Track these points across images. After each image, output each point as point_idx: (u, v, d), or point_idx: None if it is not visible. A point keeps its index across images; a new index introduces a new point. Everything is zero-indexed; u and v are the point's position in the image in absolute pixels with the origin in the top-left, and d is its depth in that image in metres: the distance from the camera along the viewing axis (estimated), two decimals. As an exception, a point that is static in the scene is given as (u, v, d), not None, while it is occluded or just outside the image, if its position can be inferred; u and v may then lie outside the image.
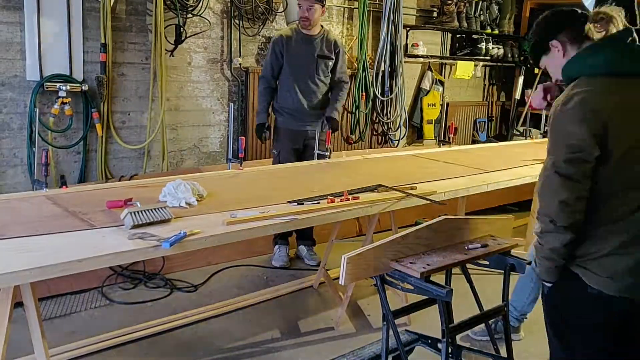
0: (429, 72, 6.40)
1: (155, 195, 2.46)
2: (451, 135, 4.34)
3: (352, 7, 5.64)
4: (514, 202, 5.68)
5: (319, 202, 2.56)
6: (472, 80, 7.02)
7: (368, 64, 5.68)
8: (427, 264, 2.09)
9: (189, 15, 4.46)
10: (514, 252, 2.38)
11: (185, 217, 2.26)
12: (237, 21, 4.80)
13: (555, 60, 1.92)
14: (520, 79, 7.26)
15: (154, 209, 2.17)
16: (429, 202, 2.72)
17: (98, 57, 4.08)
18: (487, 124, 7.34)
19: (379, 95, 5.76)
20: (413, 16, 6.20)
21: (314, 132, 3.89)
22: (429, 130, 6.41)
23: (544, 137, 6.05)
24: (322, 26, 3.98)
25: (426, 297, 2.26)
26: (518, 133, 6.92)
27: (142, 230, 2.05)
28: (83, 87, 3.99)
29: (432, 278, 2.08)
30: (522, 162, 3.33)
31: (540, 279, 1.90)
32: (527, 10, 7.20)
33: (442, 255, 2.20)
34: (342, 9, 5.61)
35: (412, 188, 2.89)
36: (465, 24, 6.41)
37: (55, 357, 2.66)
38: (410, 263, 2.08)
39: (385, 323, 2.19)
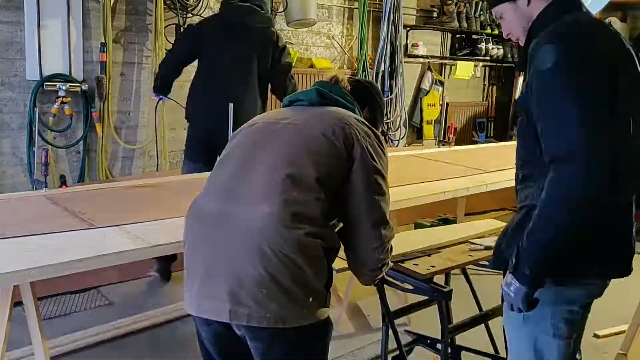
0: (429, 72, 6.40)
1: (161, 195, 2.46)
2: (451, 136, 4.35)
3: (352, 7, 5.64)
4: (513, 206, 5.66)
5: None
6: (472, 80, 7.01)
7: (368, 64, 5.68)
8: (432, 265, 2.08)
9: (189, 14, 4.46)
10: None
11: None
12: (237, 21, 4.79)
13: None
14: (520, 79, 7.25)
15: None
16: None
17: (98, 56, 4.08)
18: (487, 124, 7.34)
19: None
20: (413, 16, 6.20)
21: None
22: (428, 130, 6.42)
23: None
24: None
25: (426, 297, 2.26)
26: (518, 133, 6.91)
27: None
28: (83, 87, 3.98)
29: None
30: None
31: None
32: (527, 10, 7.19)
33: (445, 257, 2.19)
34: (342, 9, 5.61)
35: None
36: (465, 24, 6.41)
37: (54, 349, 2.67)
38: (414, 264, 2.08)
39: (384, 323, 2.19)
